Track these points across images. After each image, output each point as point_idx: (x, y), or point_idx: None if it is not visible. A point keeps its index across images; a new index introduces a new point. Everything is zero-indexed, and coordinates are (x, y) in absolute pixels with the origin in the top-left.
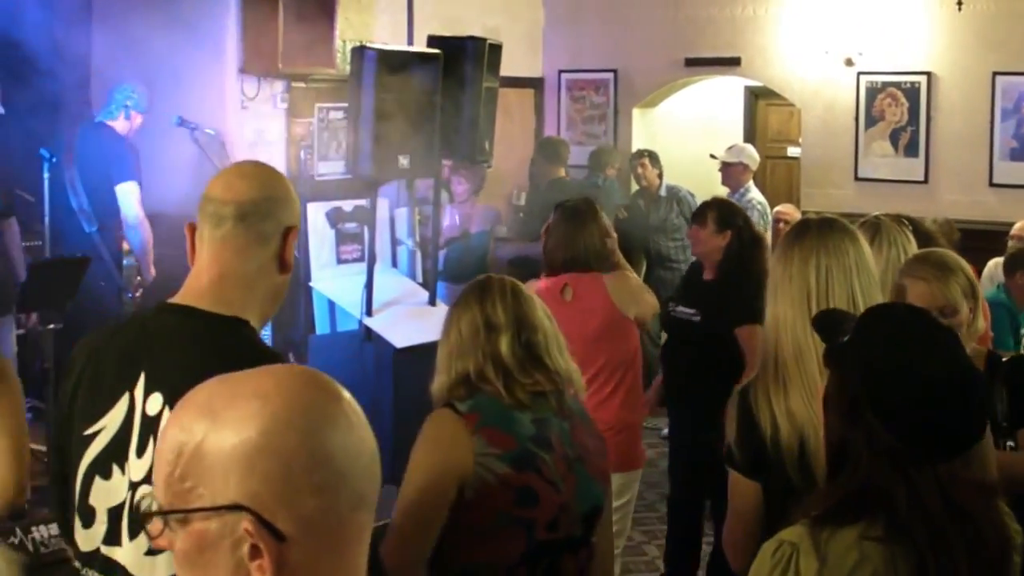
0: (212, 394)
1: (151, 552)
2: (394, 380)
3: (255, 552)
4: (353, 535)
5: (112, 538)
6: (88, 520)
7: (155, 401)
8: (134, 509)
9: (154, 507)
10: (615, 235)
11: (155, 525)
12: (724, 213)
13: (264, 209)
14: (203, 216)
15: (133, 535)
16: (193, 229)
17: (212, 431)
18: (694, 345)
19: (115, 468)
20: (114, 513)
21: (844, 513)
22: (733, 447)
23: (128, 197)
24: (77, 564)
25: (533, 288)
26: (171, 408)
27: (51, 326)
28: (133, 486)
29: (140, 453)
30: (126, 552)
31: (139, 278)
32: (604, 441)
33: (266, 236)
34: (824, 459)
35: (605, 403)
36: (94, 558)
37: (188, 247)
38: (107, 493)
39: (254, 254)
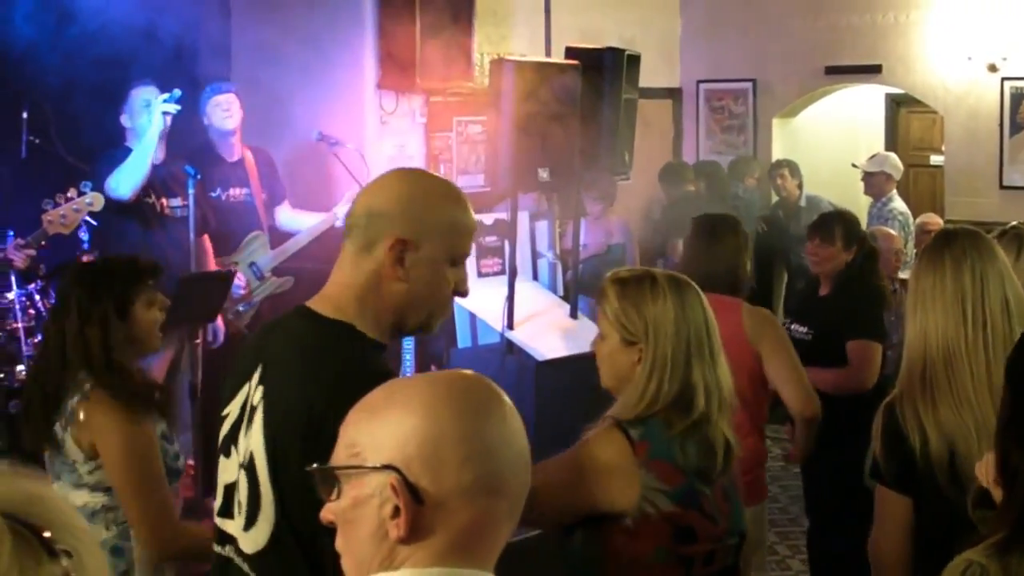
0: (393, 383)
1: (248, 527)
2: (536, 393)
3: (395, 512)
4: (488, 519)
5: (226, 511)
6: (216, 495)
7: (259, 393)
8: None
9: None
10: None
11: (331, 489)
12: (851, 229)
13: (365, 222)
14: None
15: (240, 511)
16: None
17: (386, 408)
18: (806, 364)
19: (232, 449)
20: (228, 490)
21: None
22: (880, 461)
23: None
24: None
25: None
26: (265, 402)
27: (198, 340)
28: (240, 467)
29: (243, 437)
30: (236, 525)
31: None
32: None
33: (369, 248)
34: (973, 468)
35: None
36: (217, 531)
37: None
38: (225, 471)
39: (360, 265)
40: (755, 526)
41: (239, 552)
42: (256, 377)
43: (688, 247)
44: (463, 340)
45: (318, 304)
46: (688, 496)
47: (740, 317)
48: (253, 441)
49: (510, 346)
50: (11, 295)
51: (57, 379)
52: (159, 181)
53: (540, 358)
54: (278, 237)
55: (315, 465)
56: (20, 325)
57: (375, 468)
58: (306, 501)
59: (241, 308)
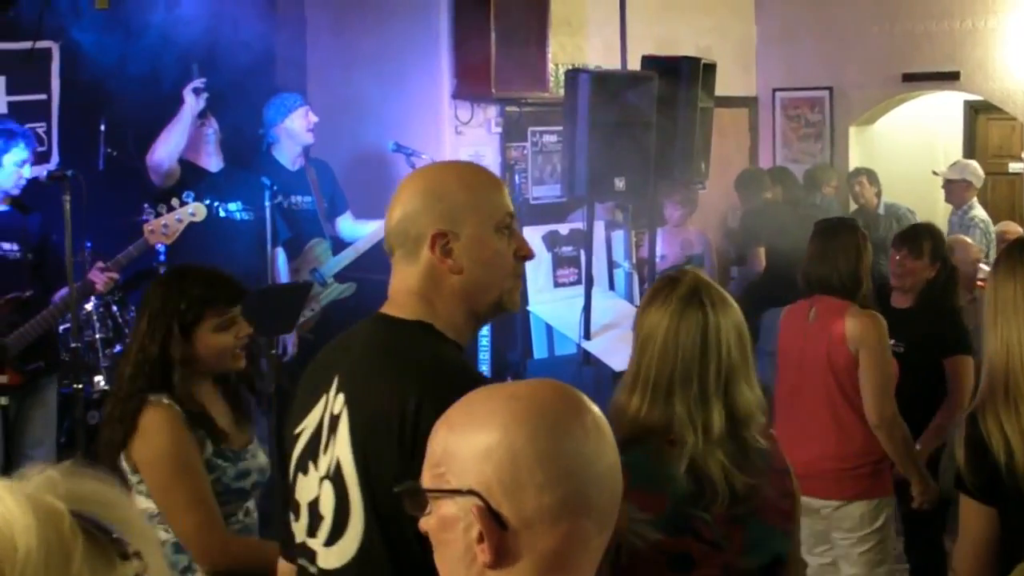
0: (475, 396)
1: (331, 542)
2: None
3: (481, 536)
4: (576, 540)
5: (312, 530)
6: (297, 514)
7: (339, 401)
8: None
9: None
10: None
11: (422, 506)
12: (938, 244)
13: (401, 230)
14: None
15: (323, 526)
16: None
17: (466, 425)
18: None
19: (311, 465)
20: (311, 507)
21: None
22: (964, 473)
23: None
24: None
25: None
26: (349, 408)
27: (273, 351)
28: (321, 481)
29: (325, 449)
30: (317, 542)
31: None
32: (790, 477)
33: (416, 253)
34: None
35: (850, 432)
36: (303, 549)
37: None
38: (306, 488)
39: (413, 272)
40: (865, 521)
41: (320, 570)
42: (334, 387)
43: (807, 250)
44: (539, 351)
45: (391, 309)
46: (677, 522)
47: (844, 320)
48: (339, 450)
49: (586, 357)
50: (89, 306)
51: (126, 389)
52: (219, 189)
53: (617, 369)
54: (339, 247)
55: (400, 487)
56: (98, 336)
57: (458, 492)
58: (401, 505)
59: (306, 313)
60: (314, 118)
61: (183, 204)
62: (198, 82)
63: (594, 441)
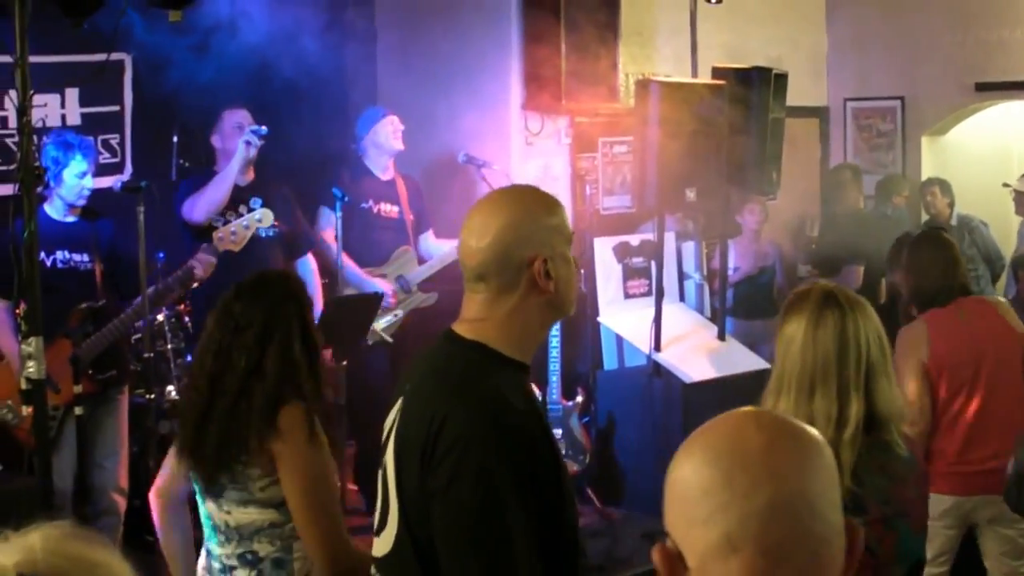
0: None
1: (379, 532)
2: (683, 415)
3: None
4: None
5: (379, 528)
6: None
7: (398, 408)
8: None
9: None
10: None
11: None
12: None
13: (496, 268)
14: None
15: (377, 518)
16: None
17: (672, 466)
18: None
19: (382, 461)
20: (379, 506)
21: None
22: None
23: None
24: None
25: None
26: (399, 416)
27: (344, 363)
28: (381, 476)
29: (385, 450)
30: (376, 529)
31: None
32: (927, 481)
33: (509, 285)
34: None
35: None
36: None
37: None
38: (380, 488)
39: (503, 305)
40: None
41: (375, 556)
42: (402, 395)
43: (916, 263)
44: (609, 362)
45: (460, 327)
46: None
47: (992, 307)
48: (388, 453)
49: (657, 368)
50: (160, 316)
51: (235, 397)
52: (241, 202)
53: (687, 380)
54: (421, 261)
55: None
56: (170, 346)
57: (660, 533)
58: (422, 514)
59: (387, 318)
60: (401, 125)
61: (250, 210)
62: (251, 133)
63: (763, 470)
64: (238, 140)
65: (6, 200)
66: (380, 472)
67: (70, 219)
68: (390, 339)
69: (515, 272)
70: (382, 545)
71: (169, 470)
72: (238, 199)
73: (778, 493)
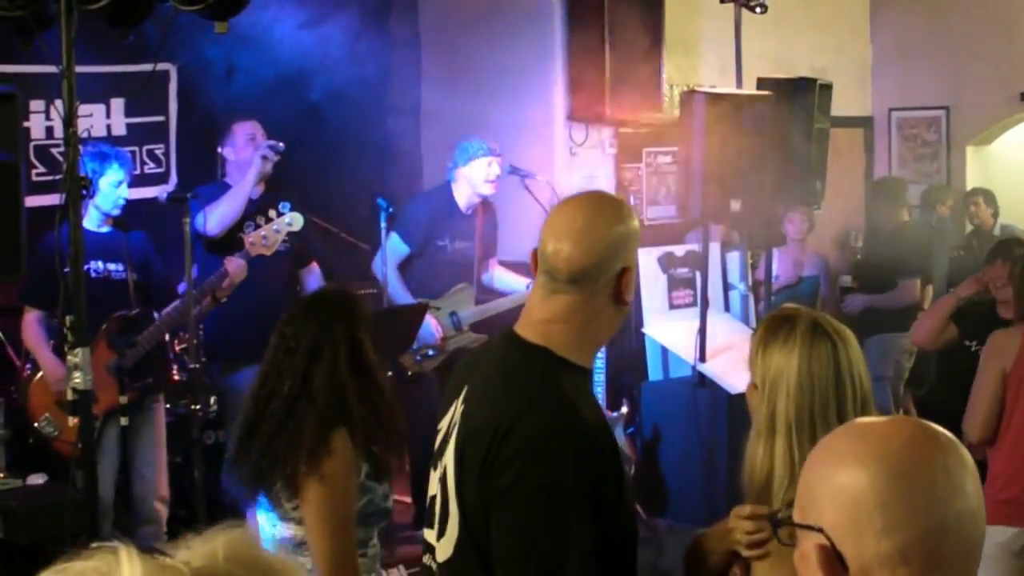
0: (839, 430)
1: (440, 537)
2: (729, 426)
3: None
4: None
5: (428, 522)
6: (428, 505)
7: (459, 411)
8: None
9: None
10: None
11: (787, 532)
12: None
13: (595, 274)
14: (540, 258)
15: (436, 522)
16: (536, 256)
17: (821, 461)
18: None
19: (438, 464)
20: (431, 502)
21: None
22: None
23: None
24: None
25: None
26: (462, 420)
27: (389, 373)
28: (439, 481)
29: (443, 453)
30: (433, 535)
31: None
32: None
33: (598, 291)
34: None
35: None
36: (424, 542)
37: (531, 270)
38: (431, 485)
39: (586, 309)
40: None
41: (435, 560)
42: (461, 396)
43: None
44: (654, 373)
45: (523, 330)
46: None
47: None
48: (448, 456)
49: (702, 379)
50: (201, 328)
51: (280, 420)
52: (253, 214)
53: (733, 391)
54: (481, 292)
55: (782, 514)
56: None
57: (811, 528)
58: (482, 517)
59: (431, 353)
60: (497, 170)
61: (280, 215)
62: (267, 148)
63: (943, 487)
64: (250, 152)
65: (48, 210)
66: (437, 475)
67: (104, 229)
68: (434, 374)
69: (608, 280)
70: (443, 550)
71: None
72: (247, 213)
73: (955, 512)
